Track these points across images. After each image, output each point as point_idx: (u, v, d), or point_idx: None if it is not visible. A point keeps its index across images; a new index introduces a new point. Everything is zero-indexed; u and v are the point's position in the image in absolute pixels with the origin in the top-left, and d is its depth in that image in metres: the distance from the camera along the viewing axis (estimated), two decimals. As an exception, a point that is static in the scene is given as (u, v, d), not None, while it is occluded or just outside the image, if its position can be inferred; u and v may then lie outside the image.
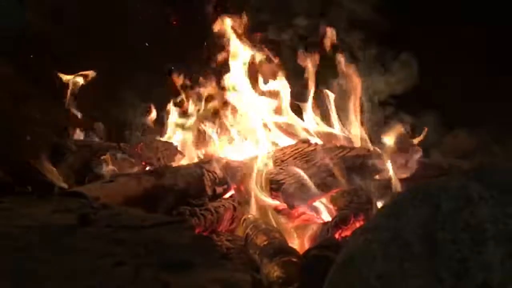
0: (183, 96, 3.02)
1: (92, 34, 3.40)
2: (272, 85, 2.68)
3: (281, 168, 2.21)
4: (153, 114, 3.16)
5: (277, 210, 2.08)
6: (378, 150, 2.33)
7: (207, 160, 2.46)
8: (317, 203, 2.11)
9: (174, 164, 2.60)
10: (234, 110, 2.65)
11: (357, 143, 2.45)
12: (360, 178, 2.10)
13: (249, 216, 1.94)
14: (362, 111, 2.51)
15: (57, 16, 3.37)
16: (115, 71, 3.49)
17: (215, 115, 2.71)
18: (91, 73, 3.22)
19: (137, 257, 1.21)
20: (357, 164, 2.14)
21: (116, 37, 3.35)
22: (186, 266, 1.18)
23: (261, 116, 2.61)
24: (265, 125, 2.61)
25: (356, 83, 2.51)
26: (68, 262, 1.19)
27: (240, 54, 2.68)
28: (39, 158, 2.50)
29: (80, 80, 3.22)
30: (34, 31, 3.34)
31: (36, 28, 3.34)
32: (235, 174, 2.22)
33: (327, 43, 2.63)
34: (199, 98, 2.90)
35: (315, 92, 2.65)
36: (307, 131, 2.57)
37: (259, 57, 2.68)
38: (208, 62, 2.80)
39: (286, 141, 2.57)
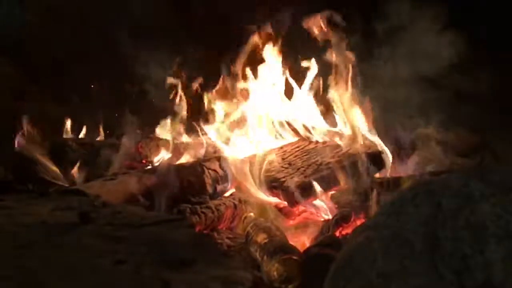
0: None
1: (92, 34, 3.39)
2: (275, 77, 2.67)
3: (282, 166, 2.21)
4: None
5: (277, 208, 2.08)
6: (379, 147, 2.32)
7: (208, 158, 2.46)
8: (318, 201, 2.11)
9: (175, 162, 2.60)
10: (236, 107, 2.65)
11: (359, 140, 2.44)
12: (361, 176, 2.09)
13: (250, 214, 1.94)
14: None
15: (57, 16, 3.37)
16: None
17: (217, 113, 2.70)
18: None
19: (137, 255, 1.21)
20: (358, 161, 2.13)
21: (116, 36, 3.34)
22: (187, 264, 1.18)
23: (262, 113, 2.60)
24: (266, 123, 2.60)
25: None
26: (68, 260, 1.19)
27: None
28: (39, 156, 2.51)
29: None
30: (34, 31, 3.33)
31: (36, 28, 3.33)
32: (236, 172, 2.21)
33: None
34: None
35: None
36: (307, 128, 2.56)
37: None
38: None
39: (287, 139, 2.56)
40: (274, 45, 2.66)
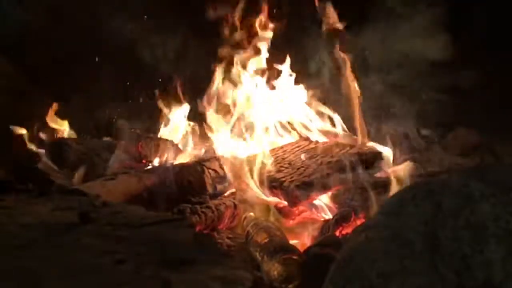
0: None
1: (92, 33, 3.39)
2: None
3: (282, 166, 2.21)
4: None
5: (277, 208, 2.08)
6: (379, 147, 2.32)
7: (207, 158, 2.46)
8: (318, 201, 2.11)
9: (175, 162, 2.60)
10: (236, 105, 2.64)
11: (358, 140, 2.44)
12: (361, 175, 2.09)
13: (250, 214, 1.94)
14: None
15: (57, 16, 3.37)
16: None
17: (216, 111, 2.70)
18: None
19: (137, 255, 1.21)
20: (358, 161, 2.13)
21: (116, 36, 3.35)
22: (187, 263, 1.18)
23: (263, 112, 2.60)
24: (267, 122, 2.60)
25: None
26: (69, 260, 1.19)
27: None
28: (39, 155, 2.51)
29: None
30: (34, 31, 3.33)
31: (36, 28, 3.34)
32: (236, 171, 2.21)
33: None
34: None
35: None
36: (307, 128, 2.56)
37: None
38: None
39: (287, 139, 2.56)
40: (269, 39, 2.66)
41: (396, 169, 2.18)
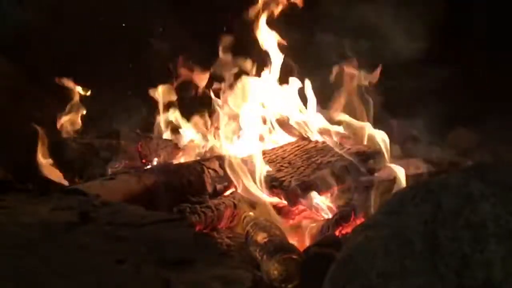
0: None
1: (92, 34, 3.39)
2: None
3: (281, 166, 2.21)
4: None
5: (277, 208, 2.08)
6: (379, 147, 2.32)
7: (208, 158, 2.46)
8: (317, 201, 2.11)
9: (174, 162, 2.60)
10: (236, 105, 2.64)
11: (358, 140, 2.44)
12: (361, 175, 2.09)
13: (250, 213, 1.94)
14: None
15: (57, 16, 3.37)
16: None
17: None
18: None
19: (137, 255, 1.22)
20: (358, 161, 2.13)
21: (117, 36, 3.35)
22: (187, 263, 1.18)
23: (263, 111, 2.60)
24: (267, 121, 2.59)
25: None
26: (68, 260, 1.19)
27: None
28: (39, 155, 2.51)
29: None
30: (34, 31, 3.33)
31: (36, 28, 3.34)
32: (235, 171, 2.21)
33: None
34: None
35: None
36: (307, 127, 2.56)
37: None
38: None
39: (287, 138, 2.56)
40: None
41: (395, 168, 2.18)
